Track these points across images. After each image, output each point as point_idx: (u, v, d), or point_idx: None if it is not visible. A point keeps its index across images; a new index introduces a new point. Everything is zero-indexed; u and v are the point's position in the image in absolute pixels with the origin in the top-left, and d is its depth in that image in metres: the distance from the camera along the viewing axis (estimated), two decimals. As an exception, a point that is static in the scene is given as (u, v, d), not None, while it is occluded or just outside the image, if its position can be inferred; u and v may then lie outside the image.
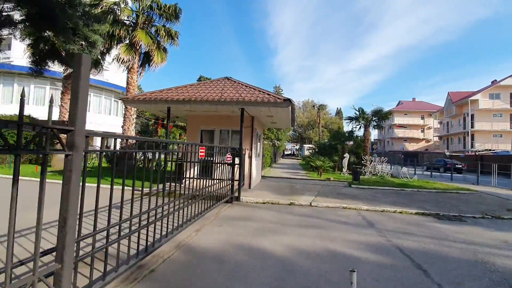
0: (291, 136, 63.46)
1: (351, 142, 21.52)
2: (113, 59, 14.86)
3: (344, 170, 17.62)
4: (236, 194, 8.98)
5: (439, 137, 55.54)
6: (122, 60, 13.40)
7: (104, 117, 28.43)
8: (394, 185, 13.21)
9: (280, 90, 50.88)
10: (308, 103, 60.53)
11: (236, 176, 9.26)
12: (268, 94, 8.88)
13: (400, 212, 8.12)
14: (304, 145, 56.30)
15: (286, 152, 69.73)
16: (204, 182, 7.13)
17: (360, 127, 19.42)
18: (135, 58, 13.69)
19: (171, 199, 4.61)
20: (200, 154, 7.68)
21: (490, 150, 36.62)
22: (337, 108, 74.64)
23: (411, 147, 59.11)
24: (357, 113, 18.89)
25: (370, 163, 15.44)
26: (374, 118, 18.72)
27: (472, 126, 40.57)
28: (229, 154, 8.12)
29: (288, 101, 8.29)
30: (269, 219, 6.74)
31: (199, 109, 9.75)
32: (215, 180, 7.47)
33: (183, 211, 5.01)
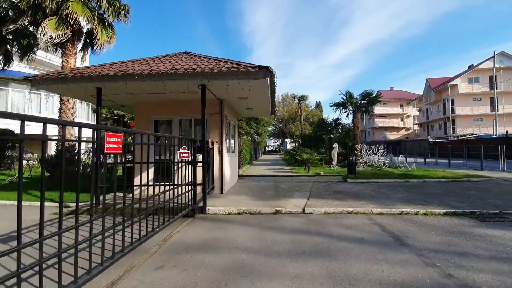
0: (272, 131, 61.39)
1: (338, 132, 19.60)
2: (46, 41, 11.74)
3: (334, 162, 15.56)
4: (201, 204, 6.47)
5: (419, 124, 55.69)
6: (51, 38, 10.39)
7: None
8: (395, 176, 11.23)
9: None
10: (287, 96, 58.60)
11: (200, 179, 6.74)
12: (237, 64, 6.40)
13: (425, 214, 5.98)
14: (285, 139, 54.44)
15: (267, 149, 67.75)
16: (159, 189, 4.84)
17: (348, 114, 17.49)
18: (68, 34, 10.70)
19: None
20: (181, 154, 5.11)
21: (472, 134, 36.37)
22: (317, 102, 73.36)
23: (392, 136, 58.99)
24: (344, 98, 16.85)
25: (365, 153, 13.45)
26: (363, 102, 16.77)
27: (452, 112, 40.33)
28: (184, 148, 5.58)
29: (265, 69, 5.86)
30: (246, 244, 4.29)
31: (144, 91, 7.10)
32: (167, 187, 5.00)
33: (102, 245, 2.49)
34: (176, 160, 5.52)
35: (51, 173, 12.63)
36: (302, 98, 38.88)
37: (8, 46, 12.97)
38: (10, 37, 12.57)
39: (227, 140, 9.52)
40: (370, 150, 13.57)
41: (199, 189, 6.73)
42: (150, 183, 8.49)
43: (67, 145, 11.72)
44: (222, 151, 8.36)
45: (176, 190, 5.47)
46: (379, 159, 13.37)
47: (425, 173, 12.36)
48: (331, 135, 18.30)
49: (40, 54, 17.76)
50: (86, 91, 6.57)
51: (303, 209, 6.23)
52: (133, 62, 7.41)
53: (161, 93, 7.39)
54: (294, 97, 40.42)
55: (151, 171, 8.30)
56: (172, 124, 8.55)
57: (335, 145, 15.72)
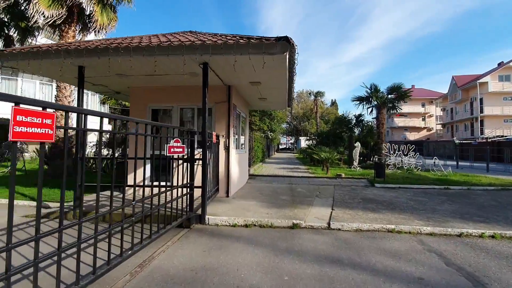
0: (286, 129, 59.74)
1: (359, 130, 17.87)
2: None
3: (355, 163, 13.98)
4: (199, 212, 5.20)
5: (442, 124, 52.53)
6: (44, 18, 9.39)
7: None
8: (431, 181, 9.59)
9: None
10: (302, 93, 56.66)
11: (198, 180, 5.47)
12: (248, 38, 5.05)
13: (493, 237, 4.47)
14: (300, 137, 52.78)
15: (281, 146, 66.31)
16: (151, 190, 3.94)
17: (372, 110, 15.75)
18: (63, 14, 9.67)
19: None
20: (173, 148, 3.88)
21: (502, 136, 33.50)
22: (332, 100, 70.80)
23: (412, 136, 56.02)
24: (369, 91, 15.11)
25: (394, 154, 11.78)
26: (389, 97, 15.00)
27: (481, 111, 37.35)
28: (177, 141, 4.31)
29: (283, 41, 4.49)
30: (252, 280, 2.97)
31: (135, 71, 5.88)
32: (161, 188, 3.83)
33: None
34: (167, 156, 4.25)
35: (48, 165, 11.77)
36: (319, 94, 36.98)
37: (6, 29, 12.15)
38: (7, 19, 11.73)
39: (236, 134, 8.22)
40: (399, 151, 11.89)
41: (198, 192, 5.47)
42: (147, 182, 7.34)
43: (58, 137, 10.78)
44: (229, 146, 7.07)
45: (170, 193, 4.24)
46: (409, 161, 11.68)
47: (465, 178, 10.63)
48: (352, 133, 16.63)
49: (43, 41, 17.03)
50: (61, 69, 5.41)
51: (328, 224, 4.83)
52: (124, 38, 6.20)
53: (157, 75, 6.15)
54: (310, 93, 38.60)
55: (148, 168, 7.13)
56: (171, 113, 7.32)
57: (357, 144, 14.12)
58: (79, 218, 2.50)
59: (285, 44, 4.49)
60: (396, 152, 11.88)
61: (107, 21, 10.93)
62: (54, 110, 2.10)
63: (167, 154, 4.05)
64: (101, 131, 2.76)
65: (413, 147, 11.87)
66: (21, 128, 1.82)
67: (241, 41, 4.59)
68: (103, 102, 24.67)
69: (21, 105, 1.87)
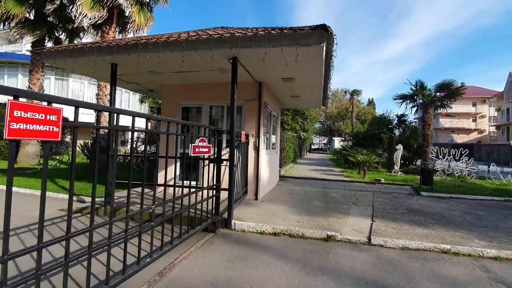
0: (319, 129, 58.04)
1: (401, 131, 16.40)
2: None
3: (396, 167, 12.81)
4: (226, 216, 4.91)
5: (496, 126, 47.17)
6: (86, 18, 9.83)
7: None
8: (489, 192, 8.34)
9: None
10: (337, 92, 54.52)
11: (226, 182, 5.19)
12: (280, 29, 4.62)
13: None
14: (333, 138, 50.97)
15: (313, 147, 64.72)
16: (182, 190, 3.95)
17: (416, 109, 14.32)
18: (104, 16, 10.03)
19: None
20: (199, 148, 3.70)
21: None
22: (369, 99, 67.21)
23: (460, 139, 51.15)
24: (414, 89, 13.71)
25: (443, 158, 10.48)
26: (438, 95, 13.47)
27: (547, 112, 32.72)
28: (202, 141, 4.05)
29: (320, 29, 3.99)
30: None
31: (164, 68, 5.75)
32: (186, 189, 3.66)
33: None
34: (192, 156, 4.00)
35: (89, 160, 12.45)
36: (355, 92, 35.07)
37: (56, 32, 13.05)
38: (56, 22, 12.56)
39: (267, 134, 7.84)
40: (450, 155, 10.52)
41: (225, 194, 5.19)
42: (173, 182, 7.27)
43: (103, 132, 11.28)
44: (259, 146, 6.71)
45: (196, 194, 4.03)
46: (461, 166, 10.29)
47: (532, 189, 9.11)
48: (392, 134, 15.32)
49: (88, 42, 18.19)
50: (94, 66, 5.45)
51: (369, 238, 4.24)
52: (155, 35, 6.12)
53: (186, 71, 5.99)
54: (345, 92, 36.80)
55: (177, 167, 7.05)
56: (201, 111, 7.16)
57: (399, 147, 12.91)
58: (110, 217, 2.40)
59: (322, 33, 3.99)
60: (446, 156, 10.55)
61: (144, 21, 11.19)
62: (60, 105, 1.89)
63: (191, 155, 3.79)
64: (133, 131, 2.66)
65: (466, 151, 10.46)
66: (20, 125, 1.60)
67: (272, 32, 4.19)
68: (141, 101, 25.85)
69: (22, 99, 1.67)
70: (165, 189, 3.55)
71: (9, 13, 11.21)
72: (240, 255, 3.69)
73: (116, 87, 6.10)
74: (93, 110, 2.62)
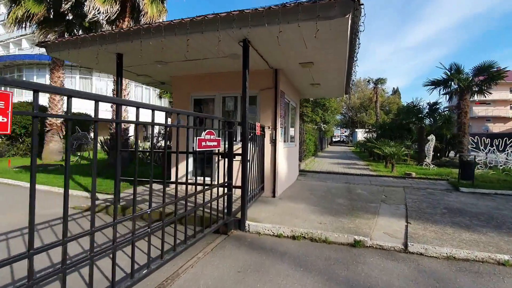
0: (340, 120, 56.18)
1: (429, 120, 15.07)
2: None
3: (428, 160, 11.73)
4: (239, 216, 4.46)
5: (539, 114, 43.10)
6: (99, 12, 9.67)
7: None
8: (542, 187, 7.24)
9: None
10: (360, 82, 52.20)
11: (237, 179, 4.73)
12: (296, 2, 4.00)
13: None
14: (356, 129, 49.15)
15: (334, 139, 63.03)
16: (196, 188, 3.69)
17: (451, 96, 12.99)
18: (117, 10, 9.81)
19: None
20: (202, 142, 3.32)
21: None
22: (394, 88, 63.71)
23: (496, 128, 47.39)
24: (448, 73, 12.36)
25: (486, 150, 9.30)
26: (476, 80, 12.07)
27: None
28: (210, 133, 3.58)
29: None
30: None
31: (172, 56, 5.32)
32: (199, 187, 3.29)
33: None
34: (196, 150, 3.56)
35: (108, 155, 12.53)
36: (379, 81, 33.11)
37: (75, 29, 13.14)
38: (73, 20, 12.60)
39: (284, 126, 7.27)
40: (492, 146, 9.30)
41: (239, 192, 4.74)
42: (189, 177, 6.93)
43: (122, 127, 11.24)
44: (276, 139, 6.17)
45: (204, 193, 3.63)
46: (507, 158, 9.08)
47: None
48: (423, 124, 14.07)
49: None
50: (97, 56, 5.14)
51: (405, 244, 3.61)
52: (165, 21, 5.71)
53: (195, 59, 5.53)
54: (368, 81, 34.88)
55: (189, 163, 6.70)
56: (214, 103, 6.71)
57: (431, 137, 11.77)
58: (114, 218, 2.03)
59: (347, 2, 3.35)
60: (488, 147, 9.36)
61: (156, 13, 10.90)
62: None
63: (197, 149, 3.34)
64: (137, 123, 2.34)
65: (511, 141, 9.22)
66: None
67: (287, 5, 3.60)
68: (160, 96, 26.03)
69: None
70: (162, 188, 3.14)
71: (29, 12, 11.35)
72: (253, 263, 3.22)
73: (135, 83, 5.83)
74: (109, 106, 2.26)
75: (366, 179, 9.16)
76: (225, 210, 4.30)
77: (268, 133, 6.17)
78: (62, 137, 13.53)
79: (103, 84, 26.83)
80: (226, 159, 4.38)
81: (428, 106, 14.22)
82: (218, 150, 3.93)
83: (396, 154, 10.60)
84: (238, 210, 4.59)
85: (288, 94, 7.11)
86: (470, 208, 5.42)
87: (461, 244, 3.59)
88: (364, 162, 14.99)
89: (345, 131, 70.20)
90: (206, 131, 3.56)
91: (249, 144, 4.98)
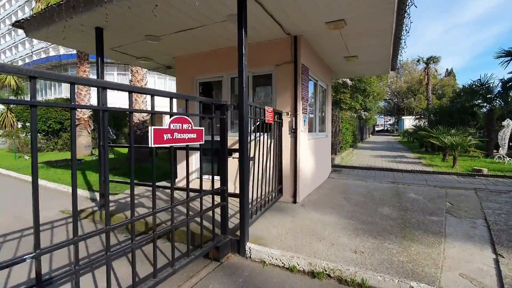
0: (384, 107, 51.49)
1: (500, 102, 12.06)
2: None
3: (503, 151, 9.24)
4: (238, 233, 3.25)
5: None
6: None
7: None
8: None
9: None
10: (407, 63, 46.78)
11: (234, 184, 3.51)
12: None
13: None
14: (403, 117, 44.64)
15: (377, 128, 58.45)
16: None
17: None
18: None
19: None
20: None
21: None
22: (447, 69, 56.24)
23: None
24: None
25: None
26: None
27: None
28: (178, 120, 2.39)
29: None
30: None
31: (158, 25, 4.18)
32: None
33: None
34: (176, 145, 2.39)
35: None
36: (432, 60, 28.69)
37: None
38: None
39: (311, 112, 5.82)
40: None
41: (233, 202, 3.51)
42: (196, 175, 5.92)
43: (138, 120, 10.73)
44: (296, 129, 4.78)
45: (196, 201, 2.50)
46: None
47: None
48: (493, 106, 11.30)
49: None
50: (83, 30, 4.20)
51: (507, 307, 2.06)
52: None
53: (190, 29, 4.35)
54: (418, 60, 30.52)
55: (193, 160, 5.66)
56: (221, 85, 5.51)
57: (507, 123, 9.22)
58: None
59: None
60: None
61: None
62: None
63: (152, 145, 2.16)
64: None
65: None
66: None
67: None
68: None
69: None
70: (154, 195, 2.03)
71: (49, 4, 11.24)
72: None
73: (149, 72, 4.90)
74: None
75: (420, 177, 7.28)
76: (214, 229, 3.12)
77: (287, 120, 4.80)
78: (89, 132, 13.58)
79: (123, 80, 27.14)
80: (233, 158, 3.20)
81: (500, 84, 11.36)
82: (200, 144, 2.73)
83: (460, 145, 8.40)
84: (237, 227, 3.38)
85: (314, 71, 5.60)
86: None
87: None
88: (415, 154, 12.69)
89: (389, 119, 64.59)
90: (172, 118, 2.37)
91: (259, 136, 3.72)
